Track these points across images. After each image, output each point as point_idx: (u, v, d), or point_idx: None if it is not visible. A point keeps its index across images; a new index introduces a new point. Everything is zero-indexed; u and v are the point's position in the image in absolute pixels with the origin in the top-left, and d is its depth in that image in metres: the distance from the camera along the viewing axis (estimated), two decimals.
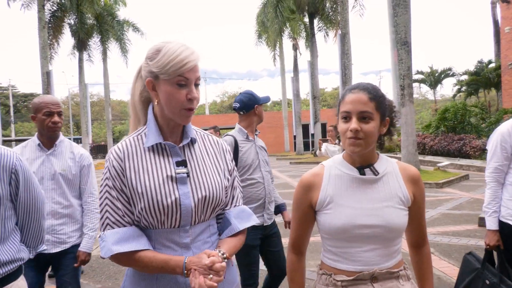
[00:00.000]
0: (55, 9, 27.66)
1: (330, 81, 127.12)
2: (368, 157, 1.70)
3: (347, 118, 1.64)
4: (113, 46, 32.88)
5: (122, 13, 31.52)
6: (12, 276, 1.86)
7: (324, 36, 28.61)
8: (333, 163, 1.78)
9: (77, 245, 3.09)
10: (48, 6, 26.11)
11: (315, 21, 27.94)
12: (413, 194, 1.72)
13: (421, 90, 63.63)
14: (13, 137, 50.07)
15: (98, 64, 30.86)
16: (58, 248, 3.01)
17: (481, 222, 7.16)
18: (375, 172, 1.69)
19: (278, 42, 33.53)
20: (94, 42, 32.03)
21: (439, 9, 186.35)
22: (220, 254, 1.54)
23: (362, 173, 1.69)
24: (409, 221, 1.73)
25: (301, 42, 32.43)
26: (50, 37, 26.68)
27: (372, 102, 1.62)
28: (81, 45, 30.51)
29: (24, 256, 1.94)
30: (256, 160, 3.40)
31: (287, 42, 33.92)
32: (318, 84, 27.96)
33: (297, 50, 32.75)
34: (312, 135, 27.78)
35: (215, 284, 1.42)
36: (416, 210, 1.75)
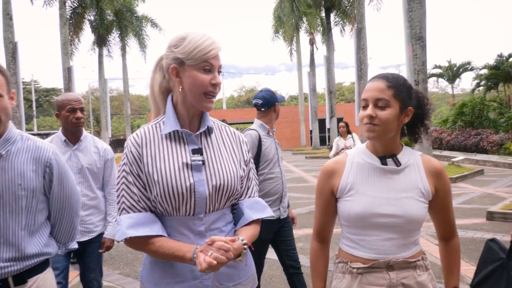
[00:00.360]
0: (76, 5, 28.19)
1: (348, 75, 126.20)
2: (390, 147, 1.71)
3: (365, 105, 1.68)
4: (132, 42, 33.38)
5: (140, 8, 32.03)
6: (38, 269, 1.88)
7: (341, 30, 28.56)
8: (356, 151, 1.80)
9: (102, 234, 3.30)
10: (69, 3, 26.62)
11: (332, 16, 27.92)
12: (435, 188, 1.72)
13: (442, 85, 62.74)
14: (35, 131, 51.23)
15: (117, 59, 31.57)
16: (86, 237, 3.21)
17: (489, 216, 7.27)
18: (397, 163, 1.70)
19: (294, 37, 33.58)
20: (114, 37, 32.60)
21: (458, 3, 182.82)
22: (239, 240, 1.55)
23: (384, 163, 1.70)
24: (436, 214, 1.76)
25: (318, 37, 32.41)
26: (71, 33, 27.21)
27: (390, 90, 1.63)
28: (101, 41, 31.09)
29: (52, 251, 1.94)
30: (275, 156, 3.52)
31: (303, 37, 34.05)
32: (334, 79, 27.94)
33: (314, 45, 32.72)
34: (329, 129, 27.79)
35: (214, 262, 1.42)
36: (441, 203, 1.75)
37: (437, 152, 20.20)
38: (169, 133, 1.63)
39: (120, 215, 1.59)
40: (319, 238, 1.87)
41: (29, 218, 1.83)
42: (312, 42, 32.69)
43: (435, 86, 60.06)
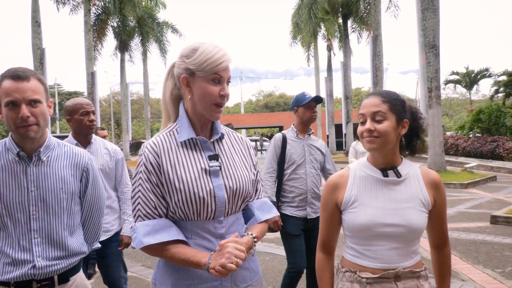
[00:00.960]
0: (100, 12, 29.10)
1: (366, 80, 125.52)
2: (391, 160, 1.79)
3: (363, 121, 1.76)
4: (153, 47, 34.15)
5: (161, 15, 32.86)
6: (77, 267, 2.01)
7: (358, 37, 28.85)
8: (358, 165, 1.87)
9: (118, 232, 3.42)
10: (93, 10, 27.49)
11: (349, 22, 28.24)
12: (433, 198, 1.79)
13: (462, 91, 62.21)
14: (58, 133, 52.46)
15: (138, 64, 32.37)
16: (104, 237, 3.30)
17: (493, 219, 7.55)
18: (398, 175, 1.77)
19: (312, 43, 33.91)
20: (135, 43, 33.46)
21: (478, 10, 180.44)
22: (250, 235, 1.68)
23: (385, 174, 1.78)
24: (431, 223, 1.82)
25: (335, 43, 32.69)
26: (94, 39, 28.10)
27: (385, 104, 1.73)
28: (123, 47, 31.97)
29: (86, 251, 2.06)
30: (302, 157, 3.66)
31: (321, 43, 34.25)
32: (350, 85, 28.23)
33: (331, 51, 33.05)
34: (345, 135, 28.06)
35: (233, 266, 1.49)
36: (437, 213, 1.81)
37: (452, 158, 20.30)
38: (185, 140, 1.68)
39: (136, 222, 1.62)
40: (324, 249, 1.94)
41: (69, 219, 1.96)
42: (329, 48, 33.01)
43: (455, 92, 59.59)
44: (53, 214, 1.89)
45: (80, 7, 25.11)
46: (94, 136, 3.36)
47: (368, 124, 1.72)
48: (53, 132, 50.79)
